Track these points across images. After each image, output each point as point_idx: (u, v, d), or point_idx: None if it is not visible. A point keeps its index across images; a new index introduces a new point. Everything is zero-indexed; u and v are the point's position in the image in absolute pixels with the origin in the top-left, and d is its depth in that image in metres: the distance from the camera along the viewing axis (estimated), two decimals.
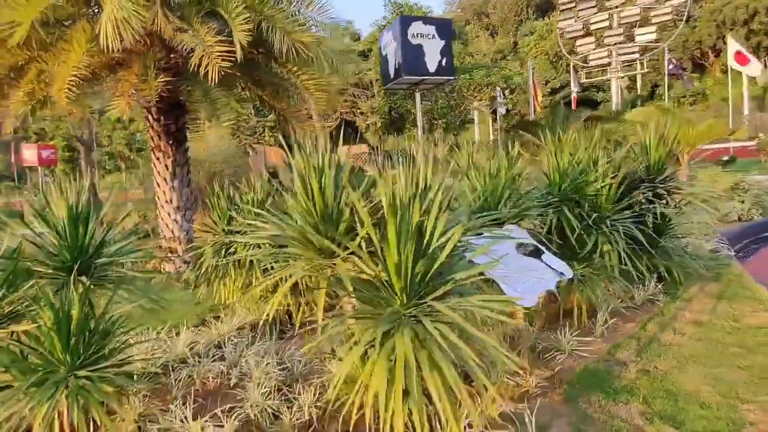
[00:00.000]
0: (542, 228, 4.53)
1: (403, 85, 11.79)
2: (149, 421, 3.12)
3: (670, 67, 26.47)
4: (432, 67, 10.79)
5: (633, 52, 25.07)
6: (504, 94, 26.90)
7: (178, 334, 4.34)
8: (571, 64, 27.24)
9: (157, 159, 8.61)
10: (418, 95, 11.53)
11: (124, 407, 3.25)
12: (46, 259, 3.23)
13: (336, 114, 19.40)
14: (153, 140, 8.60)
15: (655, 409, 2.92)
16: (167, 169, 8.64)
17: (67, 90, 5.86)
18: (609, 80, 26.97)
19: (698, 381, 3.21)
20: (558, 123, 12.16)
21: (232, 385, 3.64)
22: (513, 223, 4.31)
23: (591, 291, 4.28)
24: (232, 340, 4.27)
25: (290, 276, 3.04)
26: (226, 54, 6.11)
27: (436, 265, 2.48)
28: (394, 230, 2.37)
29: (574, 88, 27.33)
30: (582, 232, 4.27)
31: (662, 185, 5.06)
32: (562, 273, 3.72)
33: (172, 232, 8.62)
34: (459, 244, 3.02)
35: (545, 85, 39.10)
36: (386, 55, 11.52)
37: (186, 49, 6.42)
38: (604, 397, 3.09)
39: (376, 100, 22.22)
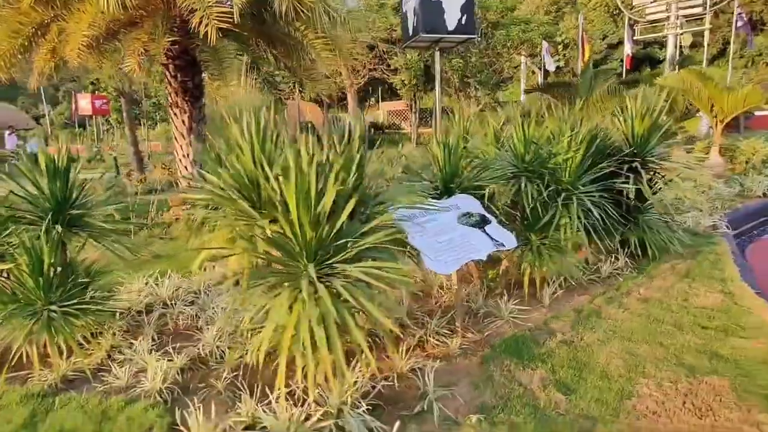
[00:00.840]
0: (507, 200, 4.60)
1: (421, 44, 11.51)
2: (118, 353, 3.61)
3: (739, 24, 24.02)
4: (451, 24, 10.42)
5: (695, 5, 22.85)
6: (553, 50, 25.48)
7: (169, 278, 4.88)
8: (626, 18, 25.27)
9: (175, 115, 9.08)
10: (437, 54, 11.24)
11: (96, 339, 3.78)
12: (31, 208, 3.71)
13: (364, 71, 19.18)
14: (171, 96, 9.04)
15: (557, 377, 3.09)
16: (184, 124, 9.10)
17: (78, 49, 6.29)
18: (667, 37, 24.85)
19: (614, 355, 3.31)
20: (585, 86, 11.60)
21: (199, 327, 4.08)
22: (471, 193, 4.41)
23: (543, 263, 4.36)
24: (209, 289, 4.74)
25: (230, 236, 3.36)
26: (223, 15, 6.29)
27: (332, 231, 2.69)
28: (292, 195, 2.59)
29: (628, 45, 25.47)
30: (538, 205, 4.31)
31: (637, 160, 4.92)
32: (502, 244, 3.84)
33: (188, 184, 9.19)
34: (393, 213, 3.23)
35: (602, 40, 36.51)
36: (406, 11, 11.22)
37: (189, 9, 6.64)
38: (517, 362, 3.28)
39: (411, 55, 21.73)
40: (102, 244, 3.84)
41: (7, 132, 27.39)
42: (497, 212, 4.39)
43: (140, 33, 7.18)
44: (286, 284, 2.69)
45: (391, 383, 3.04)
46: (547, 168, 4.47)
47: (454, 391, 3.02)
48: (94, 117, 32.00)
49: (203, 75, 9.21)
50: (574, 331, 3.71)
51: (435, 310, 4.04)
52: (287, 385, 2.71)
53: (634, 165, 4.92)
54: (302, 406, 2.67)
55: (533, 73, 26.60)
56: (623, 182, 4.88)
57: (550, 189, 4.32)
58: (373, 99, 29.24)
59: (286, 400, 2.66)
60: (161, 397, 2.96)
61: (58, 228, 3.55)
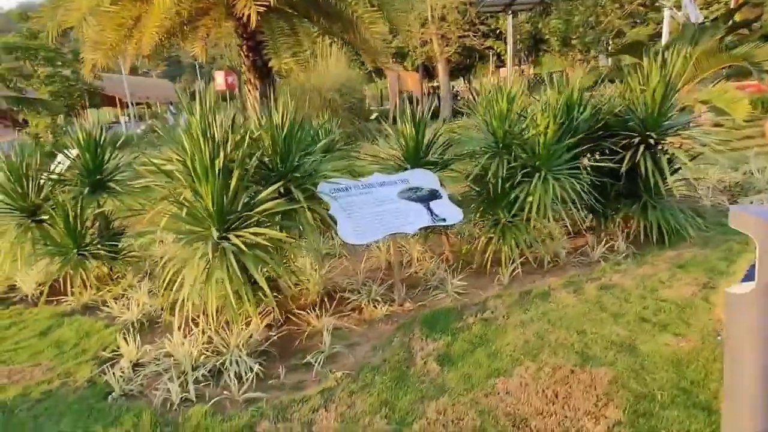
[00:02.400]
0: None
1: (493, 8, 10.83)
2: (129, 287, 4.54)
3: None
4: None
5: None
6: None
7: None
8: None
9: (249, 91, 10.14)
10: (509, 18, 10.47)
11: (117, 280, 4.78)
12: (75, 175, 4.77)
13: (453, 39, 18.43)
14: (245, 74, 10.08)
15: (448, 350, 3.18)
16: (256, 100, 10.15)
17: (149, 38, 7.45)
18: None
19: (522, 338, 3.26)
20: (684, 44, 9.96)
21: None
22: (435, 170, 4.47)
23: (506, 241, 4.27)
24: None
25: None
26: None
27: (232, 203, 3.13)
28: (205, 179, 3.06)
29: None
30: (500, 182, 4.19)
31: (649, 135, 4.40)
32: (443, 219, 3.91)
33: None
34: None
35: None
36: None
37: None
38: (427, 332, 3.42)
39: (518, 19, 20.46)
40: (120, 200, 4.74)
41: (170, 108, 32.41)
42: (476, 188, 4.39)
43: (207, 20, 8.17)
44: (198, 243, 3.21)
45: (301, 337, 3.46)
46: (520, 144, 4.29)
47: (354, 351, 3.33)
48: (227, 92, 36.09)
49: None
50: (506, 311, 3.67)
51: (385, 280, 4.28)
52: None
53: (634, 141, 4.43)
54: (208, 344, 3.23)
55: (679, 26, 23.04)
56: (616, 160, 4.45)
57: (512, 165, 4.17)
58: (481, 64, 28.10)
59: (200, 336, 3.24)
60: (131, 326, 3.76)
61: (85, 190, 4.55)
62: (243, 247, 3.10)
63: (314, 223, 3.54)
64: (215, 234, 3.10)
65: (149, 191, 4.22)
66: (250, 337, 3.26)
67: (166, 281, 3.28)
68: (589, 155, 4.82)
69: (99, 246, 4.49)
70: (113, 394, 2.88)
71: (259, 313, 3.64)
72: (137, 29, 8.22)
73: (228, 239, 3.15)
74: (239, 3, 7.08)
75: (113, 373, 3.01)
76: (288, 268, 3.74)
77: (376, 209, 3.73)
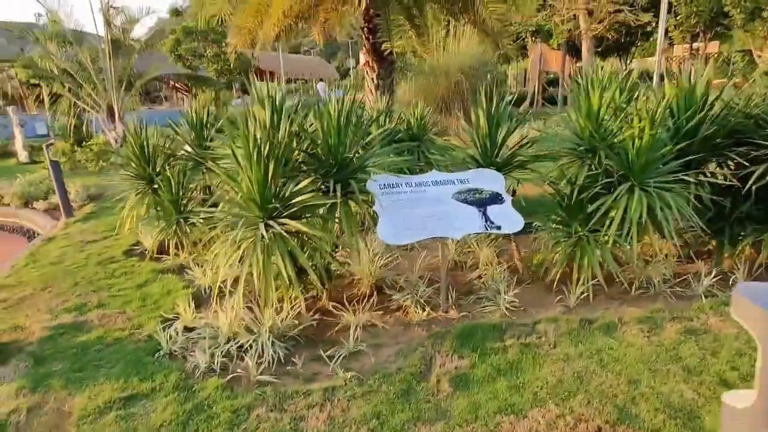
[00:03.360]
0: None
1: None
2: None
3: None
4: None
5: None
6: None
7: None
8: None
9: (366, 73, 10.37)
10: None
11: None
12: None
13: (602, 14, 16.03)
14: (365, 57, 10.32)
15: (472, 371, 2.93)
16: (373, 81, 10.35)
17: (272, 24, 8.01)
18: None
19: (559, 375, 2.84)
20: None
21: None
22: (508, 170, 4.08)
23: (582, 258, 3.73)
24: None
25: None
26: None
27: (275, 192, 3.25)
28: (249, 167, 3.24)
29: None
30: (584, 190, 3.63)
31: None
32: (498, 227, 3.57)
33: None
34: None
35: None
36: None
37: None
38: (456, 347, 3.20)
39: None
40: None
41: (320, 84, 35.10)
42: (552, 194, 3.93)
43: (326, 4, 8.49)
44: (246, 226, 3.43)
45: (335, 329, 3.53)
46: (610, 147, 3.66)
47: (378, 352, 3.28)
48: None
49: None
50: (554, 339, 3.24)
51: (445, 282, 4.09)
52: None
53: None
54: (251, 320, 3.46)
55: None
56: (742, 175, 3.53)
57: (594, 173, 3.58)
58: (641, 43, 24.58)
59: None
60: (203, 291, 4.22)
61: (189, 164, 5.16)
62: (285, 234, 3.24)
63: (354, 219, 3.51)
64: (260, 219, 3.28)
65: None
66: (284, 320, 3.40)
67: (220, 257, 3.56)
68: (710, 166, 3.93)
69: (194, 214, 5.10)
70: (161, 351, 3.29)
71: (307, 299, 3.80)
72: (266, 15, 8.92)
73: (271, 226, 3.30)
74: None
75: (168, 333, 3.42)
76: (333, 258, 3.78)
77: (422, 209, 3.55)
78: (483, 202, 3.67)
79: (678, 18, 19.48)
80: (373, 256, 4.36)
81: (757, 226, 3.77)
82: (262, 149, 3.22)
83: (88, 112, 13.77)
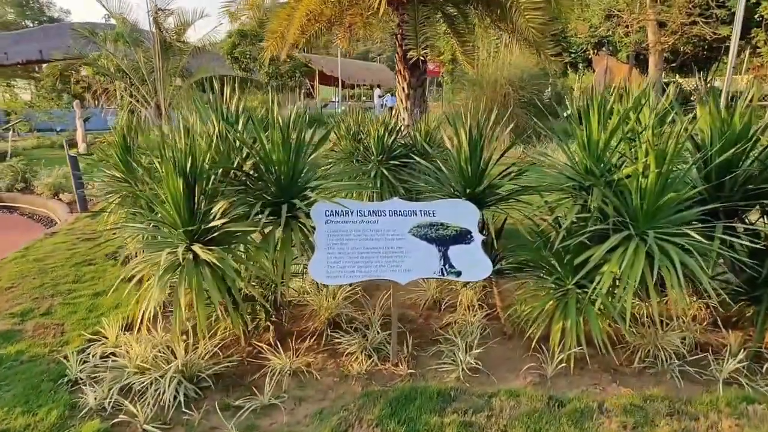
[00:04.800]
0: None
1: None
2: None
3: None
4: None
5: None
6: None
7: None
8: None
9: (398, 82, 9.93)
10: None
11: None
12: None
13: (675, 25, 14.22)
14: (397, 65, 9.88)
15: None
16: (404, 90, 9.88)
17: (300, 29, 7.78)
18: None
19: None
20: None
21: None
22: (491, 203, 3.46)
23: (566, 318, 3.03)
24: None
25: None
26: None
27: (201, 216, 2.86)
28: (169, 183, 2.88)
29: None
30: (573, 235, 2.93)
31: None
32: (457, 272, 2.98)
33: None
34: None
35: None
36: None
37: None
38: (384, 417, 2.65)
39: None
40: None
41: (377, 90, 35.24)
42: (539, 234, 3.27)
43: (354, 10, 8.15)
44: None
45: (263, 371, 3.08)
46: (608, 185, 2.95)
47: (293, 411, 2.79)
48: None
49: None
50: (506, 421, 2.58)
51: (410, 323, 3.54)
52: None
53: None
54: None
55: None
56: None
57: (584, 216, 2.88)
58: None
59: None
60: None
61: None
62: (209, 258, 2.85)
63: (289, 248, 3.04)
64: (181, 241, 2.91)
65: None
66: (204, 356, 3.01)
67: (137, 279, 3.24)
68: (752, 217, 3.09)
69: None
70: (66, 378, 3.00)
71: (251, 331, 3.41)
72: (292, 21, 8.75)
73: (193, 250, 2.92)
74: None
75: (80, 358, 3.13)
76: (274, 288, 3.35)
77: (367, 244, 3.01)
78: (446, 240, 3.07)
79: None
80: (338, 287, 3.89)
81: None
82: (184, 164, 2.85)
83: (142, 108, 14.37)
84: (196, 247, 2.85)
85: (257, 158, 3.20)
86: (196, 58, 15.56)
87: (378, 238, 3.06)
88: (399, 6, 8.19)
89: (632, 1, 15.35)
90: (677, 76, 25.69)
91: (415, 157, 3.96)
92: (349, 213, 3.11)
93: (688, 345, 3.25)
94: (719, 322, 3.40)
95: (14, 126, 16.78)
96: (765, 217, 3.16)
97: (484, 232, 3.32)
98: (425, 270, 2.97)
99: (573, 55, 21.51)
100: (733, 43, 8.03)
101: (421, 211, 3.20)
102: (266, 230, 3.16)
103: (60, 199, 8.59)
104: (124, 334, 3.37)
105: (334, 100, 41.27)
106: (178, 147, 2.91)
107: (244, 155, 3.32)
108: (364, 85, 44.47)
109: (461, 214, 3.19)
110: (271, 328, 3.53)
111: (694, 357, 3.11)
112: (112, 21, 15.50)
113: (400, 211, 3.19)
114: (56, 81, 20.76)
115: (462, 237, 3.09)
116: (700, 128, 3.23)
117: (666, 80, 21.72)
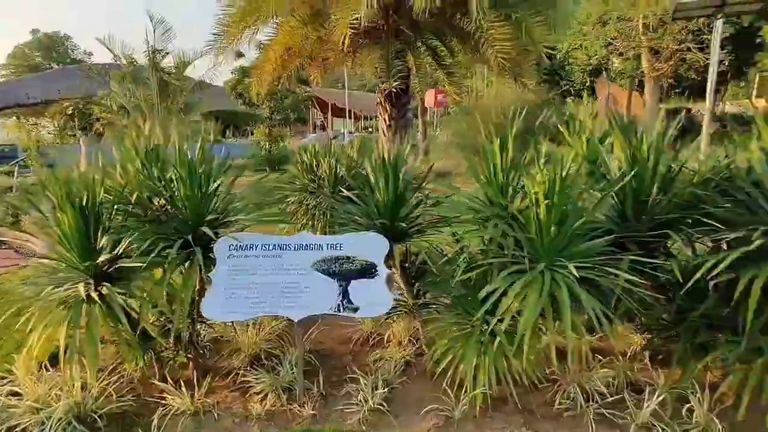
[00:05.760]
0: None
1: (697, 12, 7.82)
2: None
3: None
4: None
5: None
6: None
7: None
8: None
9: (379, 113, 10.05)
10: (718, 25, 7.29)
11: None
12: None
13: (667, 51, 14.14)
14: (378, 97, 10.02)
15: None
16: (385, 122, 9.97)
17: (278, 66, 7.99)
18: None
19: None
20: None
21: None
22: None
23: (468, 356, 2.89)
24: None
25: None
26: (354, 21, 6.58)
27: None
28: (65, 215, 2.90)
29: None
30: (475, 268, 2.82)
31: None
32: (354, 308, 2.88)
33: None
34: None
35: None
36: None
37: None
38: None
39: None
40: None
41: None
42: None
43: (327, 46, 8.35)
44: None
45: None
46: (511, 217, 2.85)
47: None
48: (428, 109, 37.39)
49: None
50: None
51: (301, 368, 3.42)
52: None
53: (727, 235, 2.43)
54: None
55: None
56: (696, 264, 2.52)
57: (485, 248, 2.78)
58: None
59: None
60: None
61: None
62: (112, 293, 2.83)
63: (189, 284, 2.99)
64: (80, 273, 2.91)
65: None
66: (100, 397, 2.94)
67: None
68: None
69: None
70: None
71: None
72: (268, 59, 9.01)
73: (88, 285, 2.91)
74: (336, 31, 6.95)
75: None
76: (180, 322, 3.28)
77: (268, 279, 2.95)
78: (348, 274, 2.99)
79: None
80: (267, 322, 3.82)
81: (727, 339, 2.68)
82: (81, 197, 2.87)
83: None
84: (81, 286, 2.83)
85: (165, 194, 3.20)
86: (205, 94, 16.10)
87: (280, 273, 3.00)
88: (370, 41, 8.36)
89: (627, 30, 15.42)
90: (690, 100, 25.46)
91: (343, 189, 3.91)
92: (253, 247, 3.07)
93: (618, 384, 3.06)
94: (647, 360, 3.20)
95: (26, 161, 17.48)
96: (691, 247, 3.00)
97: (403, 264, 3.23)
98: (322, 305, 2.89)
99: (571, 84, 21.55)
100: (712, 67, 7.92)
101: (328, 244, 3.14)
102: (172, 266, 3.13)
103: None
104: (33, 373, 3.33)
105: (343, 131, 42.01)
106: (75, 180, 2.93)
107: (156, 190, 3.33)
108: (376, 117, 45.24)
109: (369, 247, 3.12)
110: (191, 365, 3.46)
111: (615, 398, 2.91)
112: (124, 61, 16.25)
113: (306, 245, 3.13)
114: (70, 118, 21.69)
115: (366, 271, 3.01)
116: (616, 157, 3.13)
117: (669, 106, 21.51)
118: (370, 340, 3.95)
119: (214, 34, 9.07)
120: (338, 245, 3.12)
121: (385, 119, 9.89)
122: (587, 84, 20.90)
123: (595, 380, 3.01)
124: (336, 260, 3.05)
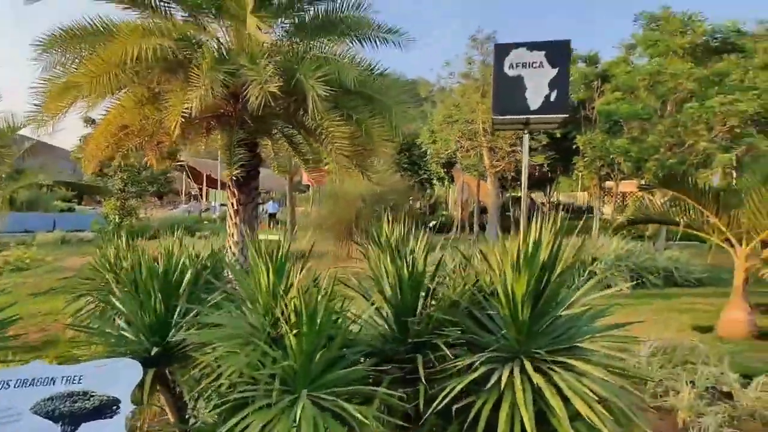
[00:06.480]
0: None
1: (510, 126, 9.40)
2: None
3: None
4: (535, 103, 8.13)
5: None
6: None
7: None
8: None
9: (227, 197, 9.72)
10: (525, 138, 8.87)
11: None
12: None
13: (502, 152, 16.83)
14: (228, 180, 9.72)
15: None
16: (233, 206, 9.62)
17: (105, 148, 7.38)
18: None
19: None
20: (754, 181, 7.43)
21: None
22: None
23: None
24: None
25: None
26: (185, 111, 6.43)
27: None
28: None
29: None
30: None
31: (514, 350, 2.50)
32: None
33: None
34: None
35: None
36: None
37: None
38: None
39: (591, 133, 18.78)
40: None
41: (269, 202, 35.24)
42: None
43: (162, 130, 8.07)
44: None
45: None
46: (274, 339, 2.70)
47: None
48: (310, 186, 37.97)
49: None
50: None
51: None
52: None
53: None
54: None
55: None
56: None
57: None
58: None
59: None
60: None
61: None
62: None
63: None
64: None
65: None
66: None
67: None
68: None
69: None
70: None
71: None
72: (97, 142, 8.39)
73: None
74: (167, 120, 6.72)
75: None
76: None
77: None
78: (80, 416, 2.52)
79: (585, 159, 20.71)
80: None
81: None
82: None
83: None
84: None
85: None
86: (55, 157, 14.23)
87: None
88: (220, 125, 8.25)
89: (469, 132, 17.72)
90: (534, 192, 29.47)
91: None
92: None
93: None
94: None
95: None
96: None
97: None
98: None
99: (428, 173, 23.78)
100: (524, 169, 9.18)
101: (65, 377, 2.65)
102: None
103: None
104: None
105: (214, 203, 40.33)
106: None
107: None
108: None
109: (117, 378, 2.70)
110: None
111: None
112: None
113: (33, 379, 2.60)
114: None
115: (103, 410, 2.57)
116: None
117: (515, 194, 24.65)
118: None
119: (35, 104, 8.20)
120: (78, 377, 2.65)
121: (233, 203, 9.57)
122: (440, 174, 23.21)
123: None
124: (69, 398, 2.57)
